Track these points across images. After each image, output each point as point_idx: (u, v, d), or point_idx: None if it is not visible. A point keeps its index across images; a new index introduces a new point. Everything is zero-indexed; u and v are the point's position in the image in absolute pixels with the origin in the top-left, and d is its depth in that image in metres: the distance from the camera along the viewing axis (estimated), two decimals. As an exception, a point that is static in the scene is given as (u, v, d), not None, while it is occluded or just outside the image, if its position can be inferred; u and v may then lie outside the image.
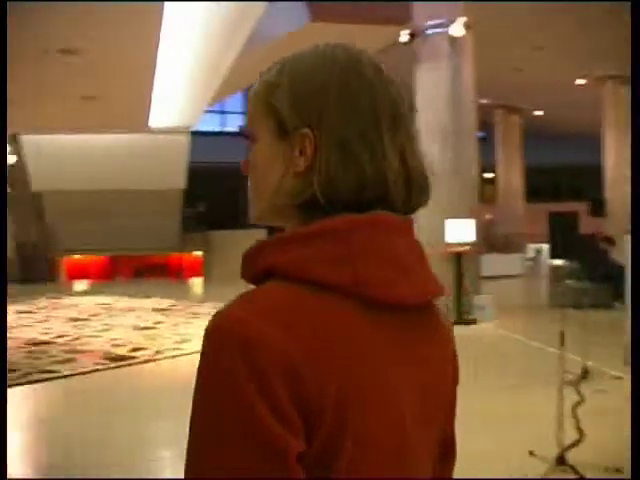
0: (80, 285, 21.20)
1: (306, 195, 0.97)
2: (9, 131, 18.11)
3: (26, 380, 8.20)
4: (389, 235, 0.97)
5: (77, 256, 22.44)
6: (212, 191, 26.27)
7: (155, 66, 11.37)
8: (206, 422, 0.86)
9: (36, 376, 8.30)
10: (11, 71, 10.88)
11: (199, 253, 22.78)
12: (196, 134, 22.47)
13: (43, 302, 16.04)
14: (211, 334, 0.88)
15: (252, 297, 0.92)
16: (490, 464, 4.89)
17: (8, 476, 4.91)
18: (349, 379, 0.90)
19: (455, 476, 1.18)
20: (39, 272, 22.35)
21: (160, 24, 9.16)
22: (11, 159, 18.57)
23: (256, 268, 0.96)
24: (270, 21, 11.18)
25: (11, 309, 15.16)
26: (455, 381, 1.13)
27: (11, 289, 18.23)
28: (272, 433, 0.84)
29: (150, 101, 14.21)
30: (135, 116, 14.52)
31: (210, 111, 24.19)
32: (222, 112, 28.97)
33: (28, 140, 19.02)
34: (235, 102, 27.74)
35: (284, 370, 0.85)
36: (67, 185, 19.67)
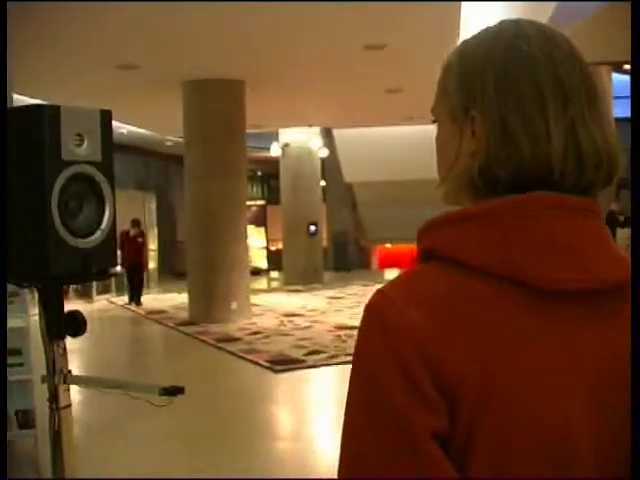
0: (391, 274, 21.91)
1: (470, 178, 0.97)
2: (323, 125, 19.20)
3: (333, 362, 8.61)
4: (549, 216, 0.92)
5: (388, 245, 23.18)
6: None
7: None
8: (349, 396, 0.90)
9: (342, 358, 8.63)
10: (322, 68, 11.50)
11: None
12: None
13: (354, 289, 16.83)
14: (365, 312, 0.93)
15: (405, 278, 0.96)
16: None
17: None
18: (492, 364, 0.87)
19: None
20: (352, 260, 23.47)
21: (459, 18, 9.16)
22: (323, 152, 19.64)
23: (420, 248, 0.98)
24: (571, 5, 10.69)
25: (323, 294, 16.12)
26: None
27: (325, 276, 19.47)
28: (404, 411, 0.85)
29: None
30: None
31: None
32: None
33: (340, 134, 20.01)
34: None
35: (421, 352, 0.86)
36: (375, 176, 20.38)
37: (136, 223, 15.94)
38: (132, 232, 15.61)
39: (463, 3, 8.97)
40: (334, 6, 8.28)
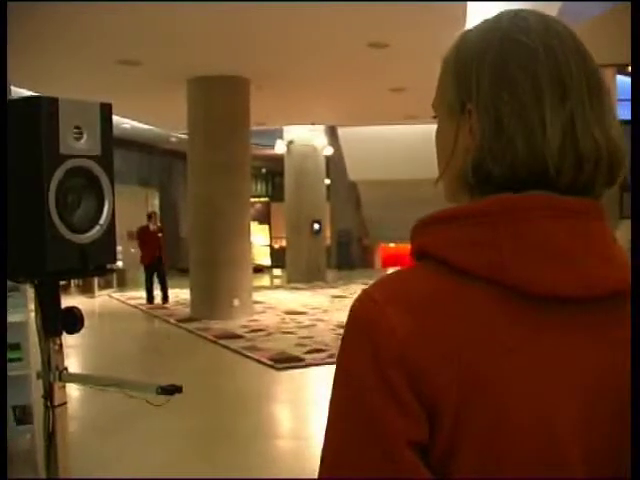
0: (393, 273, 21.85)
1: (464, 175, 0.94)
2: (327, 123, 19.16)
3: (334, 360, 8.56)
4: (543, 218, 0.87)
5: (392, 245, 23.16)
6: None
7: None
8: (332, 396, 0.88)
9: (343, 357, 8.61)
10: (327, 66, 11.46)
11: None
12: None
13: (357, 288, 16.79)
14: (349, 312, 0.90)
15: (392, 277, 0.92)
16: None
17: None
18: (475, 371, 0.84)
19: None
20: (356, 259, 23.44)
21: (465, 17, 9.11)
22: (328, 150, 19.60)
23: (412, 247, 0.95)
24: (575, 4, 10.66)
25: (325, 292, 16.10)
26: None
27: (328, 274, 19.44)
28: (378, 415, 0.83)
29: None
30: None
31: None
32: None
33: (344, 132, 19.98)
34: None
35: (399, 354, 0.83)
36: (379, 175, 20.36)
37: (154, 217, 15.46)
38: (152, 226, 15.13)
39: (469, 2, 8.93)
40: (338, 4, 8.23)
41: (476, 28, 0.97)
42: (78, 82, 11.82)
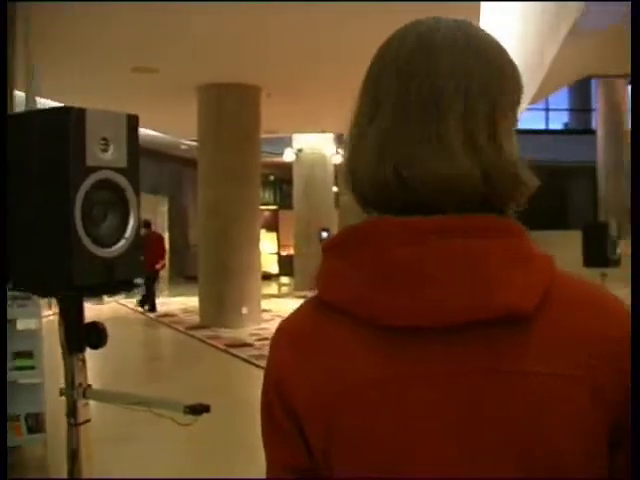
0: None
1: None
2: (337, 131, 19.11)
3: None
4: (390, 244, 0.82)
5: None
6: (536, 190, 25.65)
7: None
8: None
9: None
10: (338, 75, 11.43)
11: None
12: (519, 132, 22.15)
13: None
14: None
15: (293, 313, 0.97)
16: None
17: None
18: (338, 399, 0.86)
19: None
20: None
21: (478, 21, 9.06)
22: (337, 158, 19.46)
23: None
24: (594, 11, 10.57)
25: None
26: (586, 410, 0.81)
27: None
28: (266, 438, 0.98)
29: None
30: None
31: (533, 109, 23.65)
32: (546, 109, 28.10)
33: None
34: (559, 99, 26.77)
35: (276, 378, 0.93)
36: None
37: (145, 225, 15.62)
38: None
39: (482, 7, 8.84)
40: (350, 11, 8.20)
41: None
42: (90, 90, 11.80)
